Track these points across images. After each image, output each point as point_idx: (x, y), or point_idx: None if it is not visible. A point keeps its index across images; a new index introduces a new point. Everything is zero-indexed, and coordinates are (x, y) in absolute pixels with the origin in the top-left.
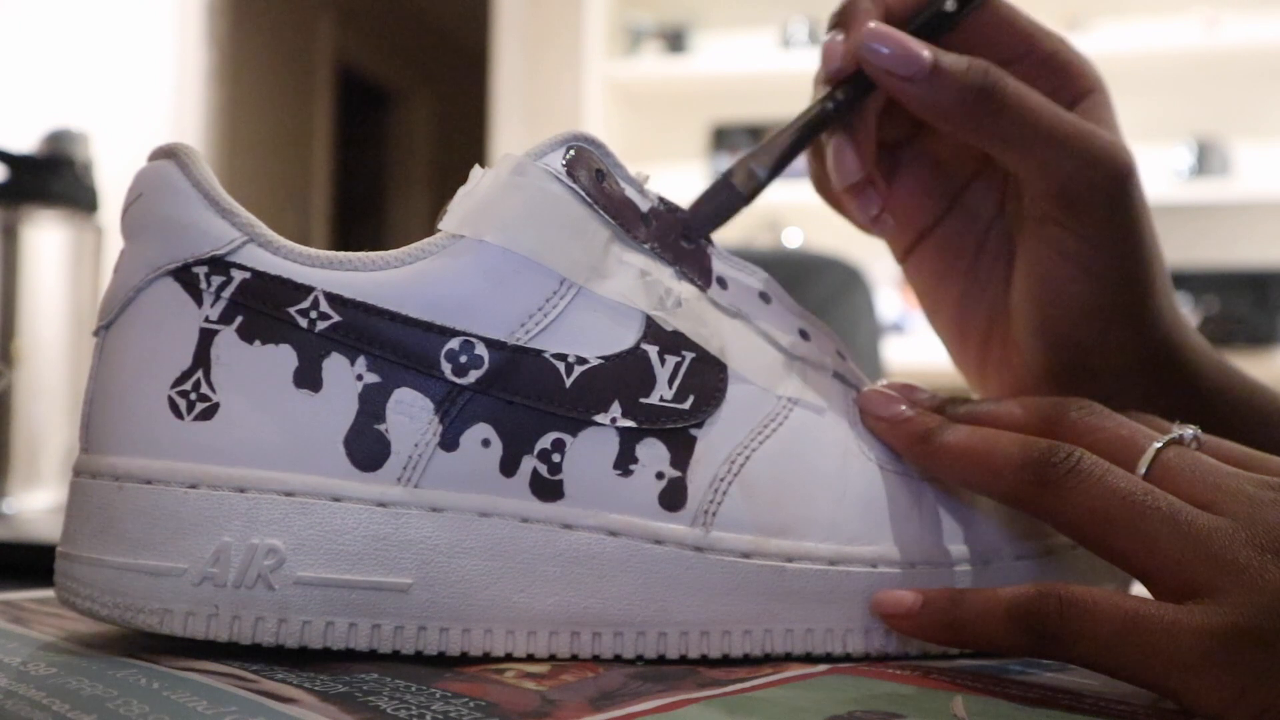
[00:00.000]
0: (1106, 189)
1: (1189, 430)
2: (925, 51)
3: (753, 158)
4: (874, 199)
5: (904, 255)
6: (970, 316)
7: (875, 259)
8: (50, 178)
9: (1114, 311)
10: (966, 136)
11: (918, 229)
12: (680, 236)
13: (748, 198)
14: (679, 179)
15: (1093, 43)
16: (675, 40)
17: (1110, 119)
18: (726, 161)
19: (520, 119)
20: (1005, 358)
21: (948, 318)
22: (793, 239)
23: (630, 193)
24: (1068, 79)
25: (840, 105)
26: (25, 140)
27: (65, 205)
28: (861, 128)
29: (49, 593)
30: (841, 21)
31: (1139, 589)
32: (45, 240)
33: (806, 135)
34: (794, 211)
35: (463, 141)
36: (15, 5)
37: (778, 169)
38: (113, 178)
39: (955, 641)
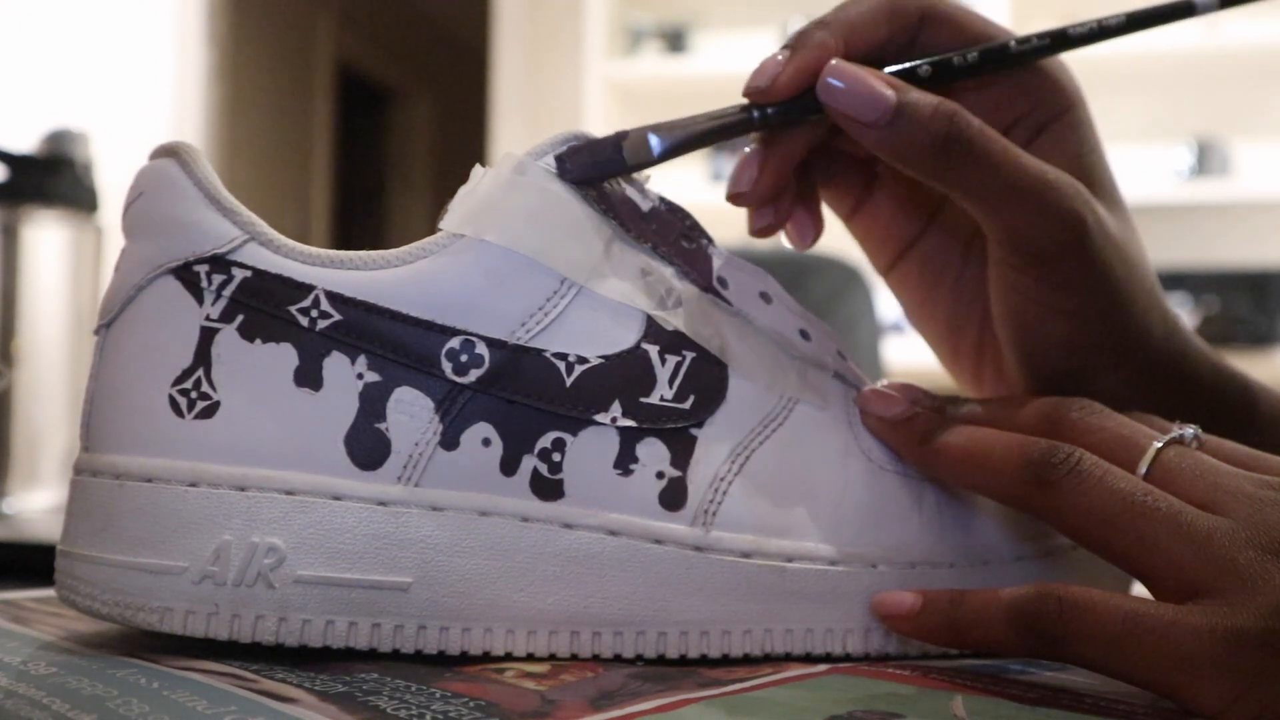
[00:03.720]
0: (1060, 242)
1: (1189, 430)
2: (889, 92)
3: (655, 130)
4: (765, 215)
5: (886, 270)
6: (961, 331)
7: None
8: (50, 178)
9: (1093, 346)
10: (924, 180)
11: (898, 244)
12: (597, 178)
13: (629, 168)
14: (679, 179)
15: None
16: (675, 40)
17: (1087, 136)
18: (726, 161)
19: (520, 119)
20: (999, 373)
21: (938, 332)
22: None
23: (631, 192)
24: (1044, 97)
25: (765, 119)
26: (25, 140)
27: (65, 205)
28: (778, 149)
29: (49, 592)
30: (792, 45)
31: (1139, 589)
32: (45, 240)
33: (718, 135)
34: None
35: (463, 141)
36: (15, 5)
37: (673, 153)
38: (113, 178)
39: (955, 643)
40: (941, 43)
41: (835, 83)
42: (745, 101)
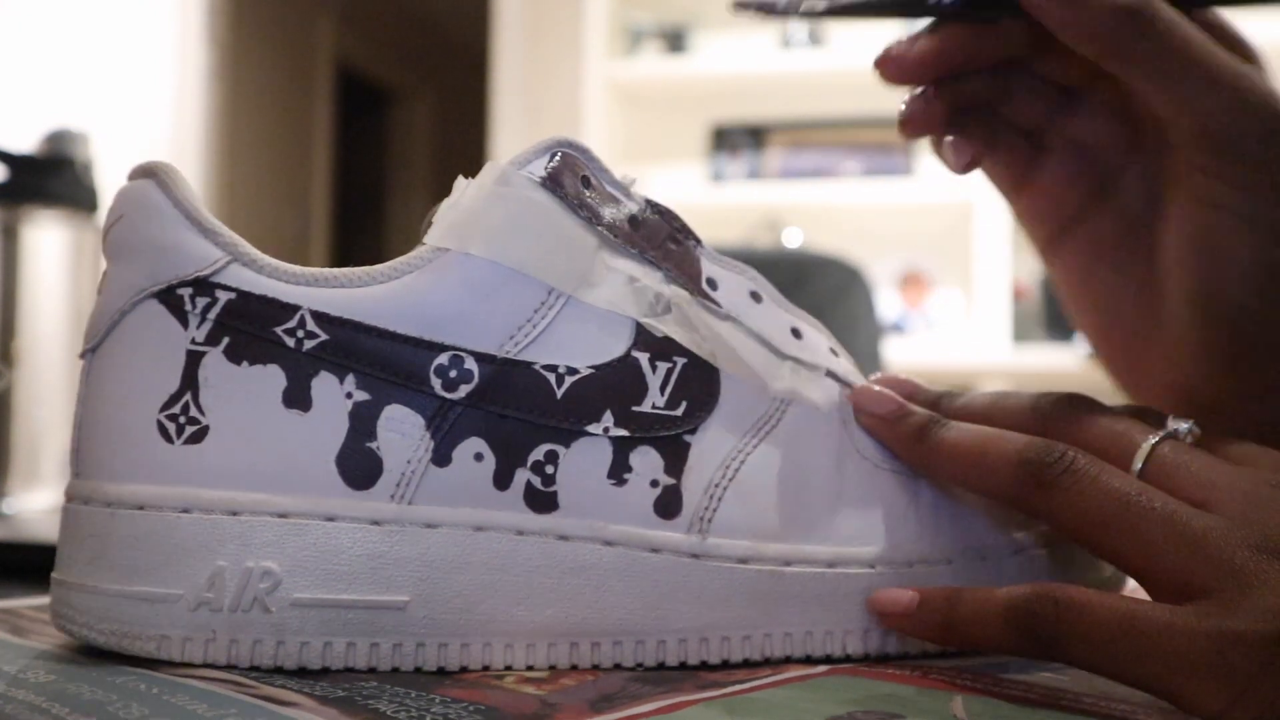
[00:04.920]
0: (1258, 133)
1: (1184, 424)
2: None
3: None
4: (964, 152)
5: (1045, 246)
6: (1116, 315)
7: (875, 259)
8: (50, 178)
9: (1276, 268)
10: (1110, 64)
11: (1060, 220)
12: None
13: (794, 12)
14: (679, 179)
15: None
16: (675, 40)
17: (1270, 89)
18: (726, 161)
19: (520, 119)
20: (1156, 354)
21: (1092, 315)
22: (793, 239)
23: (616, 197)
24: (1225, 46)
25: (948, 7)
26: (25, 140)
27: (65, 205)
28: (944, 39)
29: (48, 599)
30: None
31: (1136, 587)
32: (45, 240)
33: (890, 8)
34: (794, 212)
35: (463, 141)
36: (15, 5)
37: (840, 13)
38: (113, 178)
39: (951, 641)
40: None
41: None
42: None
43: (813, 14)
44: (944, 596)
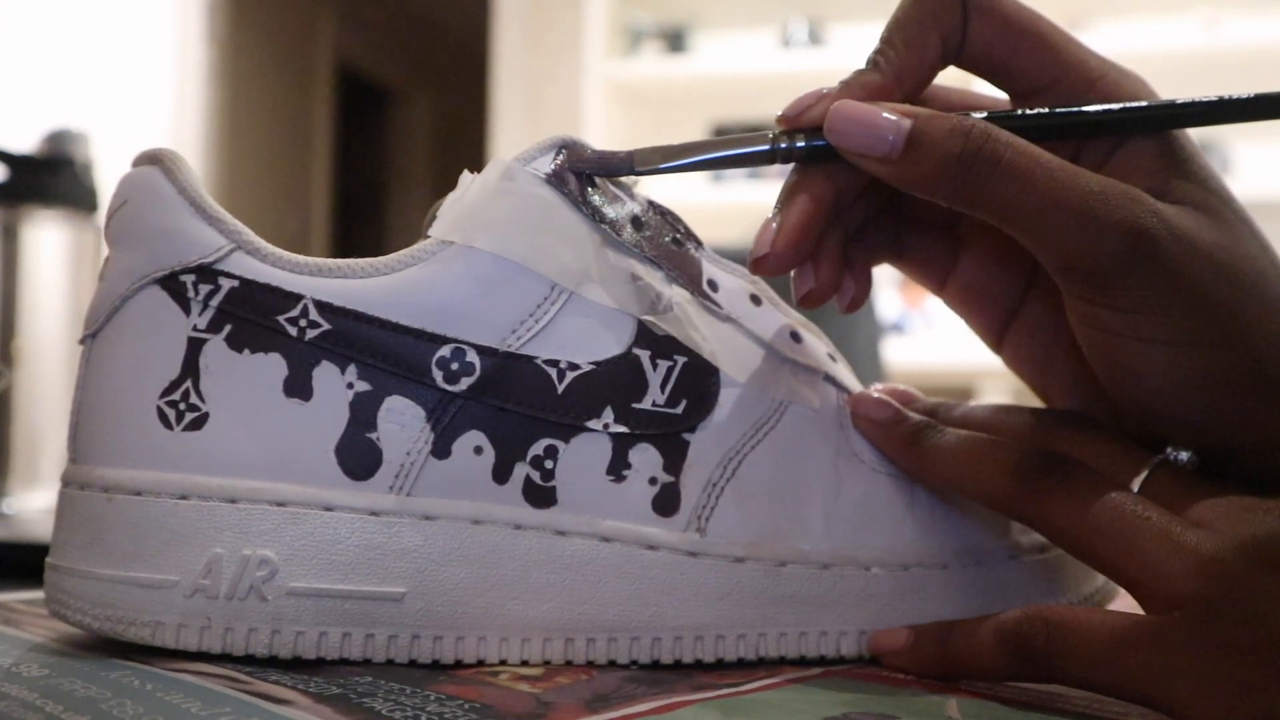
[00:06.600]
0: (1121, 258)
1: (1185, 453)
2: (903, 121)
3: (664, 151)
4: (805, 280)
5: (997, 343)
6: (1092, 403)
7: None
8: (50, 178)
9: (1219, 385)
10: (961, 210)
11: (1001, 311)
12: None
13: (635, 172)
14: (678, 178)
15: (1093, 43)
16: (675, 40)
17: (1179, 138)
18: None
19: (520, 119)
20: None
21: (1061, 398)
22: None
23: (620, 196)
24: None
25: (790, 152)
26: (25, 140)
27: (65, 205)
28: (793, 210)
29: (41, 594)
30: (845, 81)
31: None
32: (45, 240)
33: (732, 163)
34: None
35: (463, 141)
36: (15, 5)
37: (683, 169)
38: (113, 178)
39: (950, 673)
40: (991, 35)
41: (841, 124)
42: (774, 130)
43: (650, 172)
44: (936, 630)
